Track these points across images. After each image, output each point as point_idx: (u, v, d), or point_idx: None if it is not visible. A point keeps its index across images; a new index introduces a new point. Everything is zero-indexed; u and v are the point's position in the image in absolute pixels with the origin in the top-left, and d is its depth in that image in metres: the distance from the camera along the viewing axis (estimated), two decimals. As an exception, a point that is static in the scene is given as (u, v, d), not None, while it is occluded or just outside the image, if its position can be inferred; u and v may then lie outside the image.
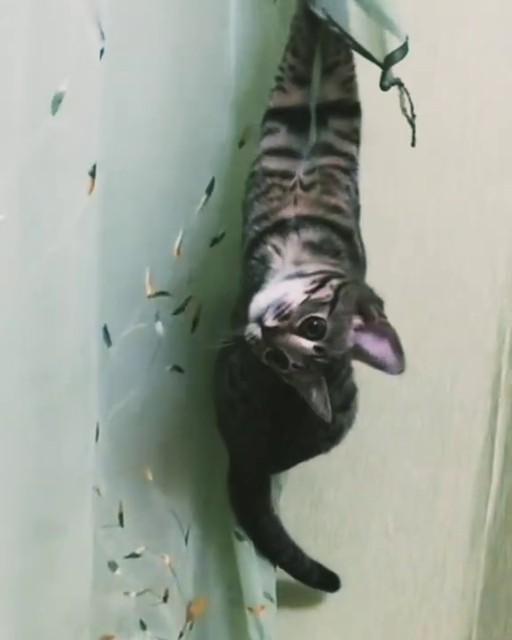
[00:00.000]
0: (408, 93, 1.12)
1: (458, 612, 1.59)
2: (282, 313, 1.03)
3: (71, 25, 1.03)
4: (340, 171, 1.15)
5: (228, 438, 1.30)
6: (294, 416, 1.16)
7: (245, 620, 1.43)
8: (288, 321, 1.02)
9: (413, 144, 1.15)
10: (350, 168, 1.16)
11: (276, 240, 1.11)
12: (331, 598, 1.54)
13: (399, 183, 1.46)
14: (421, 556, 1.57)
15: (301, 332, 1.03)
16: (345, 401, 1.23)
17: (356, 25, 1.11)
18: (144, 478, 1.33)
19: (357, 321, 1.06)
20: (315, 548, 1.49)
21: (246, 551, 1.42)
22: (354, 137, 1.16)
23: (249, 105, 1.25)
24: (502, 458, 1.55)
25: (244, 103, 1.26)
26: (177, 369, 1.32)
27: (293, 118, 1.17)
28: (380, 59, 1.09)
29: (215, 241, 1.31)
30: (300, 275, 1.06)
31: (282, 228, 1.11)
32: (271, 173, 1.15)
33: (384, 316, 1.07)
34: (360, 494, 1.54)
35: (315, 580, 1.49)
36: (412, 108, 1.13)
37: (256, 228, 1.13)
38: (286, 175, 1.15)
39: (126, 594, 1.34)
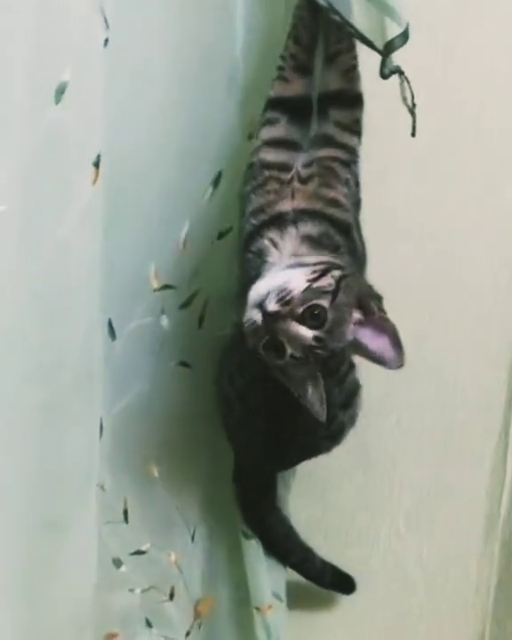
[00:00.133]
0: (408, 82, 1.11)
1: (471, 608, 1.57)
2: (283, 298, 1.01)
3: (74, 14, 1.02)
4: (340, 163, 1.13)
5: (228, 436, 1.29)
6: (292, 414, 1.14)
7: (253, 619, 1.41)
8: (289, 307, 1.01)
9: (413, 134, 1.13)
10: (350, 160, 1.14)
11: (273, 234, 1.09)
12: (342, 598, 1.52)
13: (402, 179, 1.44)
14: (432, 555, 1.55)
15: (302, 320, 1.01)
16: (346, 398, 1.22)
17: (357, 11, 1.09)
18: (149, 475, 1.32)
19: (357, 315, 1.04)
20: (324, 548, 1.46)
21: (254, 550, 1.40)
22: (354, 128, 1.14)
23: (257, 96, 1.22)
24: (516, 453, 1.52)
25: (252, 94, 1.24)
26: (183, 364, 1.31)
27: (294, 108, 1.15)
28: (381, 46, 1.07)
29: (222, 234, 1.29)
30: (301, 264, 1.05)
31: (279, 221, 1.10)
32: (269, 165, 1.14)
33: (384, 311, 1.05)
34: (369, 494, 1.53)
35: (327, 581, 1.46)
36: (412, 98, 1.11)
37: (253, 221, 1.11)
38: (284, 167, 1.13)
39: (131, 591, 1.33)
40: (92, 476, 1.16)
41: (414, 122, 1.12)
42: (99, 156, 1.06)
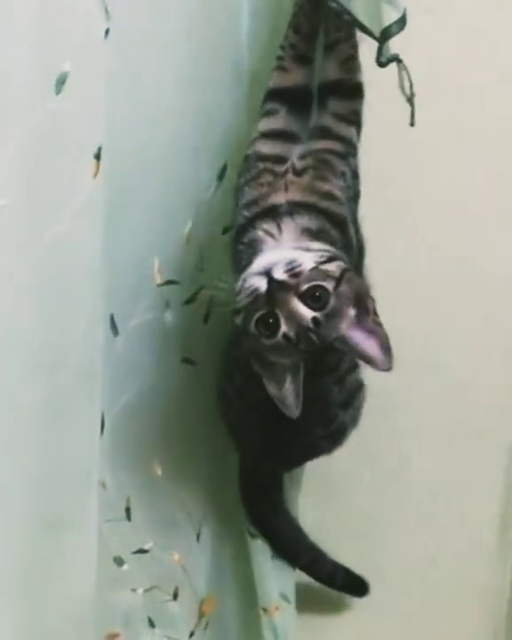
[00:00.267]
0: (407, 71, 1.08)
1: (485, 610, 1.55)
2: (293, 269, 0.99)
3: (75, 4, 1.00)
4: (335, 155, 1.11)
5: (229, 434, 1.27)
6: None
7: (259, 620, 1.40)
8: (297, 280, 0.99)
9: (412, 124, 1.10)
10: (347, 153, 1.12)
11: (267, 225, 1.07)
12: (353, 600, 1.50)
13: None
14: (444, 556, 1.53)
15: (304, 298, 0.99)
16: (347, 398, 1.20)
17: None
18: (152, 473, 1.30)
19: (352, 312, 1.02)
20: (335, 550, 1.44)
21: (260, 550, 1.38)
22: (353, 119, 1.12)
23: (263, 87, 1.19)
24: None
25: (258, 85, 1.21)
26: (188, 361, 1.29)
27: (293, 99, 1.14)
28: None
29: (227, 229, 1.26)
30: (308, 249, 1.03)
31: (273, 213, 1.08)
32: (264, 158, 1.12)
33: (377, 315, 1.03)
34: (382, 495, 1.51)
35: (339, 583, 1.44)
36: (411, 87, 1.09)
37: (246, 213, 1.10)
38: (279, 160, 1.11)
39: (133, 590, 1.31)
40: (92, 474, 1.14)
41: (413, 112, 1.10)
42: (100, 149, 1.04)
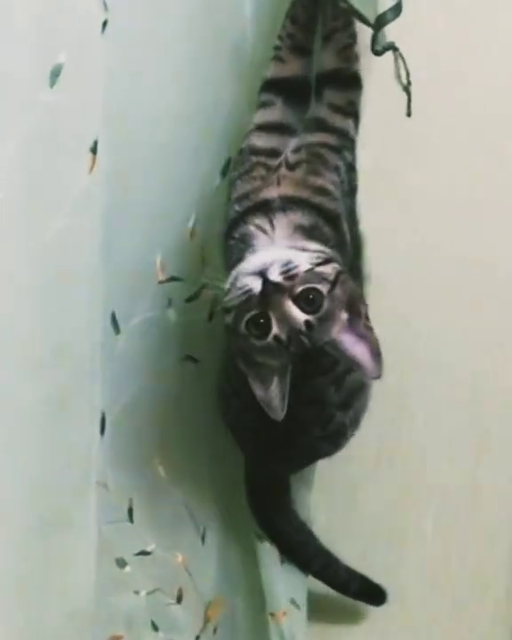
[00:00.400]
0: (403, 59, 1.05)
1: (503, 616, 1.51)
2: (288, 271, 0.97)
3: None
4: (329, 149, 1.09)
5: (230, 434, 1.25)
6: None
7: (267, 626, 1.37)
8: (292, 282, 0.96)
9: (409, 114, 1.07)
10: (341, 146, 1.10)
11: (259, 220, 1.05)
12: (368, 608, 1.46)
13: (423, 169, 1.38)
14: (461, 560, 1.49)
15: (298, 301, 0.97)
16: (345, 399, 1.17)
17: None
18: (155, 473, 1.28)
19: (344, 315, 1.00)
20: (347, 552, 1.41)
21: (268, 553, 1.35)
22: (349, 110, 1.10)
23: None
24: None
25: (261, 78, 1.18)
26: (191, 359, 1.27)
27: (290, 90, 1.12)
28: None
29: (231, 225, 1.24)
30: (304, 249, 1.00)
31: (265, 208, 1.05)
32: (257, 151, 1.10)
33: (369, 319, 1.01)
34: (396, 496, 1.47)
35: (353, 590, 1.40)
36: (407, 75, 1.06)
37: (237, 207, 1.08)
38: (273, 153, 1.09)
39: (136, 593, 1.29)
40: (91, 473, 1.13)
41: (409, 101, 1.07)
42: (96, 142, 1.03)
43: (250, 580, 1.38)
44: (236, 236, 1.05)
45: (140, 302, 1.21)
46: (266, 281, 0.96)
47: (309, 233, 1.04)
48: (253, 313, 0.97)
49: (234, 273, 1.00)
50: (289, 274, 0.97)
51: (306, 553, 1.38)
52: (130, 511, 1.26)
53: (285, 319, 0.97)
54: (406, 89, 1.08)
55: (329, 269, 0.99)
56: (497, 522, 1.49)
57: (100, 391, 1.15)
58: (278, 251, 1.00)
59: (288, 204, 1.05)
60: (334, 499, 1.45)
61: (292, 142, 1.09)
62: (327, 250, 1.01)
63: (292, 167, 1.08)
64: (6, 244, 0.99)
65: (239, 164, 1.11)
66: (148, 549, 1.29)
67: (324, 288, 0.97)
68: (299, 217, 1.04)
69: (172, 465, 1.28)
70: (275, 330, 0.97)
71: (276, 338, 0.97)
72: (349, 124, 1.10)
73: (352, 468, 1.42)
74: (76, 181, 1.02)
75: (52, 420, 1.06)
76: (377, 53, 1.04)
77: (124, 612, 1.28)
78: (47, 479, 1.08)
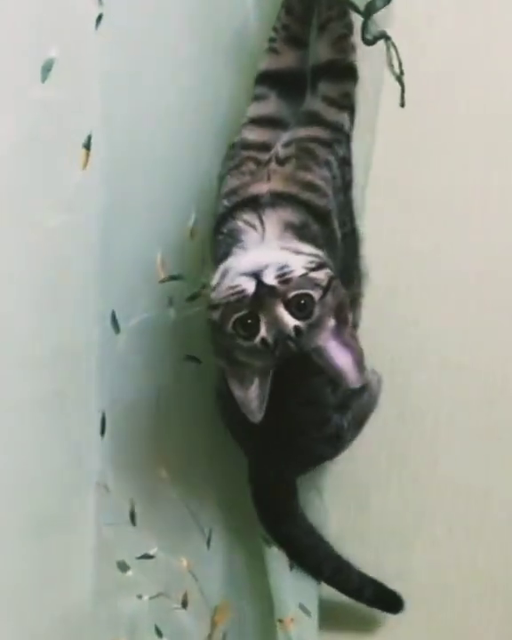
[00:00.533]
0: (395, 48, 1.03)
1: (512, 623, 1.48)
2: (284, 275, 0.95)
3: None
4: (320, 143, 1.06)
5: (230, 435, 1.23)
6: (278, 412, 1.06)
7: (276, 632, 1.34)
8: (286, 287, 0.95)
9: (402, 104, 1.05)
10: (333, 140, 1.07)
11: (247, 216, 1.03)
12: (382, 614, 1.43)
13: (439, 168, 1.36)
14: (474, 564, 1.46)
15: (290, 306, 0.95)
16: (342, 400, 1.15)
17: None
18: (157, 475, 1.26)
19: (332, 323, 0.99)
20: (359, 556, 1.38)
21: (276, 558, 1.33)
22: (344, 102, 1.08)
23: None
24: None
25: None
26: (192, 359, 1.25)
27: (284, 83, 1.10)
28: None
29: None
30: (298, 251, 0.99)
31: (254, 204, 1.03)
32: (248, 145, 1.08)
33: (354, 327, 1.01)
34: (408, 499, 1.44)
35: (368, 597, 1.37)
36: (400, 65, 1.04)
37: (225, 202, 1.06)
38: (264, 147, 1.08)
39: (139, 597, 1.27)
40: (89, 474, 1.12)
41: (403, 91, 1.05)
42: (90, 138, 1.02)
43: (258, 585, 1.36)
44: (225, 231, 1.04)
45: (141, 301, 1.19)
46: (260, 283, 0.95)
47: (300, 231, 1.02)
48: (243, 313, 0.96)
49: (222, 268, 0.99)
50: (284, 278, 0.95)
51: (316, 558, 1.35)
52: (132, 513, 1.24)
53: (275, 323, 0.95)
54: (399, 79, 1.06)
55: (322, 275, 0.97)
56: (510, 525, 1.45)
57: (98, 391, 1.15)
58: (273, 252, 0.99)
59: (277, 199, 1.03)
60: (344, 502, 1.42)
61: (285, 136, 1.08)
62: (320, 253, 1.00)
63: (281, 162, 1.06)
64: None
65: (229, 158, 1.09)
66: (151, 553, 1.27)
67: (316, 294, 0.96)
68: (288, 214, 1.02)
69: (174, 466, 1.26)
70: (263, 332, 0.96)
71: (264, 341, 0.96)
72: (344, 117, 1.08)
73: (362, 470, 1.40)
74: (70, 177, 1.02)
75: (49, 419, 1.06)
76: (367, 43, 1.02)
77: (126, 617, 1.26)
78: (44, 479, 1.07)
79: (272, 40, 1.10)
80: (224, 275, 0.98)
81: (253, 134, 1.09)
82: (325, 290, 0.97)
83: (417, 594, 1.39)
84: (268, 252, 0.99)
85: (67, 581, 1.12)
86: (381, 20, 1.02)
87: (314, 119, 1.07)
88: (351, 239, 1.11)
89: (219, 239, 1.04)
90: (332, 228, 1.05)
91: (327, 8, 1.06)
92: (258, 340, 0.96)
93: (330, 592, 1.39)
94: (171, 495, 1.27)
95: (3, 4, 0.94)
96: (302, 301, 0.95)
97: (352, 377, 0.98)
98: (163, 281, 1.20)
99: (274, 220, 1.02)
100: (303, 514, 1.33)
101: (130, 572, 1.25)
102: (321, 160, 1.05)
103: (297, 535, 1.33)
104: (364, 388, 1.19)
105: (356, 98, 1.08)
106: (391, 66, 1.06)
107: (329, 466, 1.34)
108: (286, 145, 1.07)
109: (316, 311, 0.96)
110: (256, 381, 0.98)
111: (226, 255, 1.01)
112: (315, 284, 0.96)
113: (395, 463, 1.42)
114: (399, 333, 1.38)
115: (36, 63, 0.97)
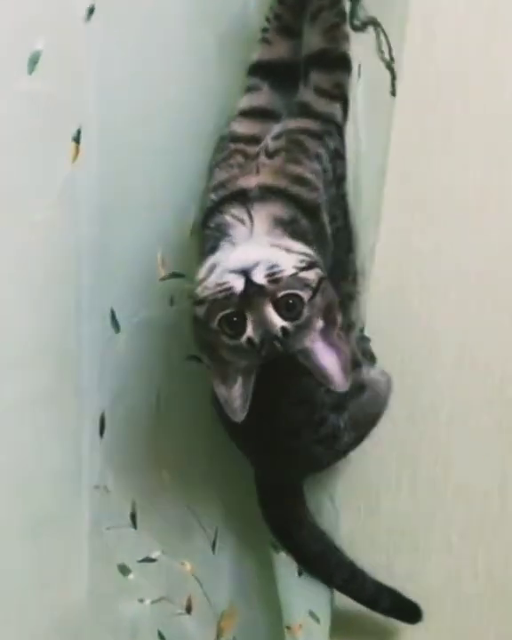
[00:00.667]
0: (385, 34, 1.00)
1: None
2: (274, 274, 0.93)
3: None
4: (310, 136, 1.04)
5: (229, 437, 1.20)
6: (271, 412, 1.07)
7: (284, 639, 1.31)
8: (275, 286, 0.93)
9: (393, 93, 1.01)
10: (324, 132, 1.05)
11: (236, 210, 1.01)
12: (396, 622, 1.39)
13: (455, 166, 1.33)
14: (490, 570, 1.41)
15: (278, 306, 0.93)
16: (338, 400, 1.12)
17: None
18: (159, 477, 1.24)
19: (320, 325, 0.97)
20: (370, 561, 1.34)
21: (284, 564, 1.30)
22: (336, 93, 1.05)
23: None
24: None
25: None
26: (195, 358, 1.21)
27: (277, 74, 1.07)
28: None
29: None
30: (288, 249, 0.97)
31: (242, 197, 1.01)
32: (237, 138, 1.06)
33: (342, 329, 0.98)
34: (419, 502, 1.40)
35: (384, 606, 1.33)
36: (390, 51, 1.00)
37: (213, 196, 1.04)
38: (253, 140, 1.05)
39: (141, 601, 1.25)
40: (81, 474, 1.10)
41: (393, 79, 1.01)
42: (79, 131, 1.01)
43: (267, 591, 1.33)
44: (212, 225, 1.02)
45: (141, 299, 1.17)
46: (249, 281, 0.93)
47: (289, 227, 0.99)
48: (229, 311, 0.94)
49: (209, 262, 0.97)
50: (273, 277, 0.93)
51: (326, 565, 1.32)
52: (133, 516, 1.22)
53: (262, 323, 0.93)
54: (389, 66, 1.03)
55: (312, 275, 0.95)
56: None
57: (98, 390, 1.13)
58: (263, 249, 0.96)
59: (266, 193, 1.01)
60: (354, 504, 1.39)
61: (275, 128, 1.05)
62: (311, 252, 0.98)
63: (271, 155, 1.04)
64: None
65: (218, 151, 1.07)
66: (153, 556, 1.25)
67: (305, 295, 0.94)
68: (277, 208, 1.00)
69: (175, 467, 1.24)
70: (249, 332, 0.94)
71: (250, 340, 0.94)
72: (335, 108, 1.05)
73: (372, 472, 1.37)
74: (59, 171, 1.00)
75: (34, 416, 1.03)
76: (355, 28, 1.00)
77: (128, 621, 1.24)
78: (39, 479, 1.05)
79: (265, 30, 1.08)
80: (211, 269, 0.96)
81: (242, 127, 1.07)
82: (315, 290, 0.95)
83: (430, 599, 1.34)
84: (258, 249, 0.97)
85: (64, 583, 1.10)
86: (372, 5, 0.99)
87: (304, 110, 1.05)
88: (344, 234, 1.09)
89: (206, 233, 1.02)
90: (321, 222, 1.02)
91: None
92: (244, 339, 0.94)
93: (345, 600, 1.35)
94: (173, 497, 1.25)
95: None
96: (291, 301, 0.94)
97: (338, 379, 0.96)
98: (163, 279, 1.18)
99: (263, 214, 1.00)
100: (313, 520, 1.30)
101: (131, 576, 1.23)
102: (311, 153, 1.03)
103: (306, 542, 1.30)
104: (363, 387, 1.16)
105: (349, 88, 1.05)
106: (381, 52, 1.02)
107: (338, 468, 1.31)
108: (276, 137, 1.04)
109: (305, 312, 0.94)
110: (240, 380, 0.97)
111: (213, 249, 0.99)
112: (304, 285, 0.94)
113: (406, 464, 1.39)
114: (410, 334, 1.35)
115: (23, 55, 0.95)
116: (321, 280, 0.96)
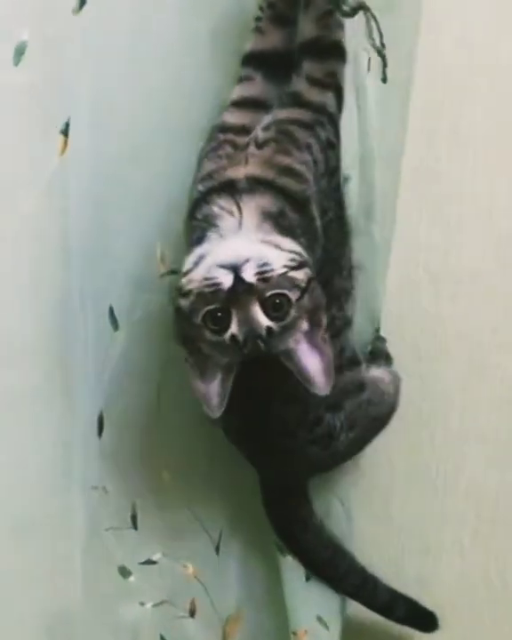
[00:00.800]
0: (376, 20, 0.96)
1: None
2: (264, 273, 0.91)
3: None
4: (300, 126, 1.01)
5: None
6: (264, 411, 1.05)
7: None
8: (264, 285, 0.91)
9: (384, 80, 0.98)
10: (315, 122, 1.02)
11: (223, 201, 0.98)
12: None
13: (465, 161, 1.29)
14: (502, 573, 1.36)
15: (266, 305, 0.91)
16: (335, 399, 1.08)
17: None
18: (160, 477, 1.22)
19: (305, 326, 0.95)
20: (380, 566, 1.31)
21: (290, 568, 1.26)
22: (328, 82, 1.02)
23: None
24: None
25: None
26: (197, 357, 1.20)
27: (270, 64, 1.05)
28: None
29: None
30: (279, 247, 0.94)
31: (230, 189, 0.99)
32: (227, 128, 1.04)
33: (327, 331, 0.96)
34: (430, 505, 1.36)
35: (398, 614, 1.29)
36: (380, 37, 0.97)
37: (200, 187, 1.02)
38: (244, 130, 1.03)
39: (142, 604, 1.23)
40: (71, 474, 1.08)
41: (384, 66, 0.98)
42: (67, 124, 0.99)
43: (274, 595, 1.30)
44: (199, 216, 0.99)
45: (141, 296, 1.15)
46: (238, 278, 0.91)
47: (278, 221, 0.97)
48: (215, 307, 0.92)
49: (196, 253, 0.95)
50: (263, 276, 0.91)
51: (335, 570, 1.28)
52: (133, 517, 1.20)
53: (247, 321, 0.92)
54: (380, 52, 1.00)
55: (301, 275, 0.93)
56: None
57: (96, 389, 1.12)
58: (253, 245, 0.94)
59: (254, 185, 0.98)
60: (363, 508, 1.35)
61: (266, 119, 1.03)
62: (301, 251, 0.95)
63: (260, 145, 1.01)
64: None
65: (207, 142, 1.05)
66: (154, 558, 1.23)
67: (293, 296, 0.92)
68: (266, 201, 0.98)
69: (176, 468, 1.22)
70: (233, 329, 0.92)
71: (233, 338, 0.92)
72: (328, 97, 1.02)
73: (382, 475, 1.34)
74: (47, 164, 0.99)
75: (19, 413, 1.02)
76: (345, 14, 0.96)
77: (129, 624, 1.22)
78: (22, 478, 1.04)
79: (258, 19, 1.06)
80: (198, 261, 0.94)
81: (233, 117, 1.04)
82: (303, 291, 0.93)
83: (441, 605, 1.30)
84: (248, 245, 0.95)
85: (55, 584, 1.09)
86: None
87: (295, 100, 1.02)
88: (337, 228, 1.06)
89: (193, 224, 1.00)
90: (310, 216, 1.00)
91: None
92: (227, 336, 0.92)
93: (358, 606, 1.31)
94: (174, 498, 1.23)
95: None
96: (278, 301, 0.92)
97: (319, 382, 0.94)
98: (163, 275, 1.16)
99: (251, 206, 0.97)
100: (321, 524, 1.27)
101: (132, 578, 1.22)
102: (301, 143, 1.00)
103: (313, 546, 1.26)
104: (363, 386, 1.13)
105: (343, 77, 1.02)
106: (371, 39, 0.99)
107: (348, 471, 1.29)
108: (266, 128, 1.02)
109: (292, 313, 0.93)
110: (219, 376, 0.95)
111: (200, 240, 0.97)
112: (293, 285, 0.92)
113: (417, 467, 1.35)
114: (424, 332, 1.31)
115: (8, 46, 0.94)
116: (310, 281, 0.94)
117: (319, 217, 1.00)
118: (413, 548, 1.38)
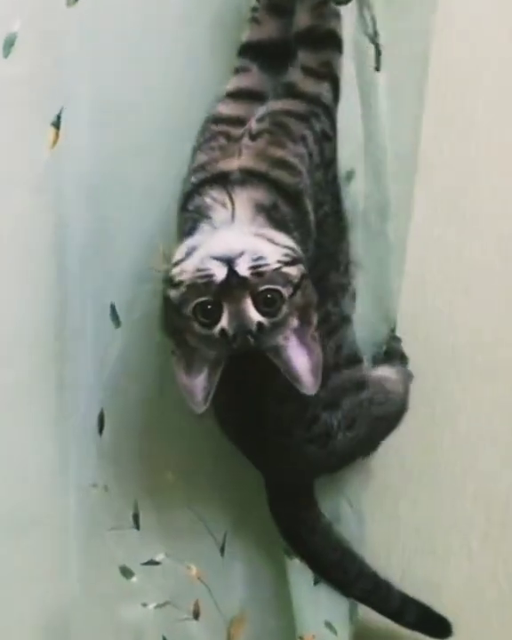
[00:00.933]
0: (369, 7, 0.94)
1: None
2: (258, 268, 0.89)
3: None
4: (295, 117, 0.99)
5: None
6: (260, 410, 1.04)
7: None
8: (258, 280, 0.89)
9: (378, 68, 0.96)
10: (310, 113, 0.99)
11: (216, 193, 0.97)
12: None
13: (476, 161, 1.27)
14: (510, 577, 1.33)
15: (257, 300, 0.90)
16: (332, 397, 1.06)
17: None
18: (163, 476, 1.20)
19: (295, 323, 0.93)
20: (387, 568, 1.28)
21: (298, 571, 1.24)
22: (323, 71, 1.00)
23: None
24: None
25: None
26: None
27: (266, 55, 1.02)
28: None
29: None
30: (273, 242, 0.92)
31: (223, 180, 0.97)
32: (220, 120, 1.02)
33: (317, 329, 0.94)
34: (438, 508, 1.34)
35: (410, 620, 1.25)
36: (374, 25, 0.94)
37: (192, 179, 1.00)
38: (238, 122, 1.01)
39: (144, 605, 1.21)
40: (66, 471, 1.07)
41: (378, 54, 0.95)
42: (59, 116, 0.98)
43: (280, 598, 1.27)
44: (191, 207, 0.98)
45: (142, 294, 1.14)
46: (232, 271, 0.89)
47: (271, 215, 0.95)
48: (205, 299, 0.90)
49: (188, 243, 0.94)
50: (257, 270, 0.90)
51: (344, 574, 1.25)
52: (135, 517, 1.19)
53: (238, 315, 0.90)
54: (373, 40, 0.98)
55: (295, 271, 0.92)
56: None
57: (97, 387, 1.12)
58: (247, 238, 0.92)
59: (247, 177, 0.96)
60: (371, 510, 1.32)
61: (260, 110, 1.01)
62: (294, 245, 0.94)
63: (254, 137, 0.99)
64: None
65: (201, 133, 1.03)
66: (157, 559, 1.21)
67: (286, 292, 0.91)
68: (259, 194, 0.96)
69: (179, 467, 1.20)
70: (223, 323, 0.90)
71: (223, 331, 0.90)
72: (323, 87, 1.00)
73: (391, 476, 1.31)
74: (37, 157, 0.98)
75: (18, 416, 1.02)
76: (338, 2, 0.94)
77: (131, 625, 1.21)
78: (18, 477, 1.03)
79: (254, 9, 1.04)
80: (190, 252, 0.93)
81: (228, 108, 1.02)
82: (296, 287, 0.91)
83: (450, 609, 1.27)
84: (242, 237, 0.93)
85: (51, 583, 1.08)
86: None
87: (290, 91, 1.00)
88: (333, 222, 1.04)
89: (185, 216, 0.99)
90: (304, 209, 0.98)
91: None
92: (217, 329, 0.90)
93: (369, 611, 1.29)
94: (178, 498, 1.21)
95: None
96: (270, 297, 0.90)
97: (307, 381, 0.93)
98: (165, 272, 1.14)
99: (244, 198, 0.96)
100: (328, 526, 1.24)
101: (134, 579, 1.20)
102: (296, 135, 0.98)
103: (320, 548, 1.24)
104: (363, 385, 1.10)
105: (339, 68, 1.00)
106: (365, 26, 0.97)
107: (356, 472, 1.26)
108: (260, 119, 1.00)
109: (283, 309, 0.91)
110: (206, 371, 0.93)
111: (192, 231, 0.95)
112: (287, 281, 0.91)
113: (426, 468, 1.32)
114: (431, 331, 1.29)
115: (-3, 37, 0.94)
116: (303, 277, 0.92)
117: (314, 211, 0.98)
118: (421, 552, 1.35)
